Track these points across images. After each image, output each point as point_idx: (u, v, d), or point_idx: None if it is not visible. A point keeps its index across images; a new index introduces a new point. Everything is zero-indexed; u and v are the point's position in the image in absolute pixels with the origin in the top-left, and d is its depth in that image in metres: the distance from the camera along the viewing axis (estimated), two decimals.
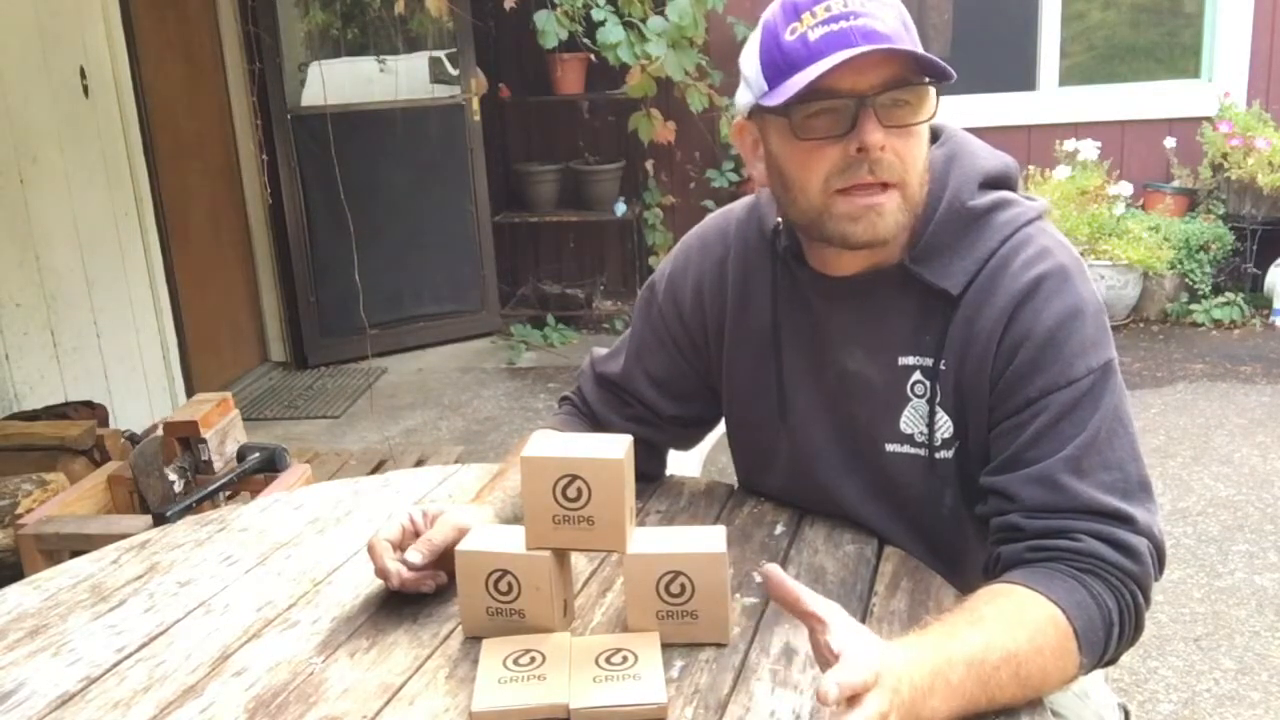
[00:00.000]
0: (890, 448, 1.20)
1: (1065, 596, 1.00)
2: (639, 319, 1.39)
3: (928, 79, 1.08)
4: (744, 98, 1.15)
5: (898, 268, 1.16)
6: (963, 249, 1.14)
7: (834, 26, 1.05)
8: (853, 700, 0.83)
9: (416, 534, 1.17)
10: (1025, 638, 0.96)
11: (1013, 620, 0.97)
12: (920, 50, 1.06)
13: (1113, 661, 1.08)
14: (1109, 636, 1.02)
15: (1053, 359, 1.08)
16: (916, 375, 1.17)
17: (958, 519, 1.20)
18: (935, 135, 1.22)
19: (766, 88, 1.10)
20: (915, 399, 1.18)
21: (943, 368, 1.15)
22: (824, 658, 0.87)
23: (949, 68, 1.07)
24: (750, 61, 1.13)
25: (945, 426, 1.17)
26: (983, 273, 1.13)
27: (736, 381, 1.32)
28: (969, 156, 1.18)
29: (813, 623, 0.89)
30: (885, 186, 1.09)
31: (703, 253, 1.34)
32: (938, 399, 1.16)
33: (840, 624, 0.88)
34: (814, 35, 1.06)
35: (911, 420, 1.18)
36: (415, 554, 1.13)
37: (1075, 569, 1.03)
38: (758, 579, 1.18)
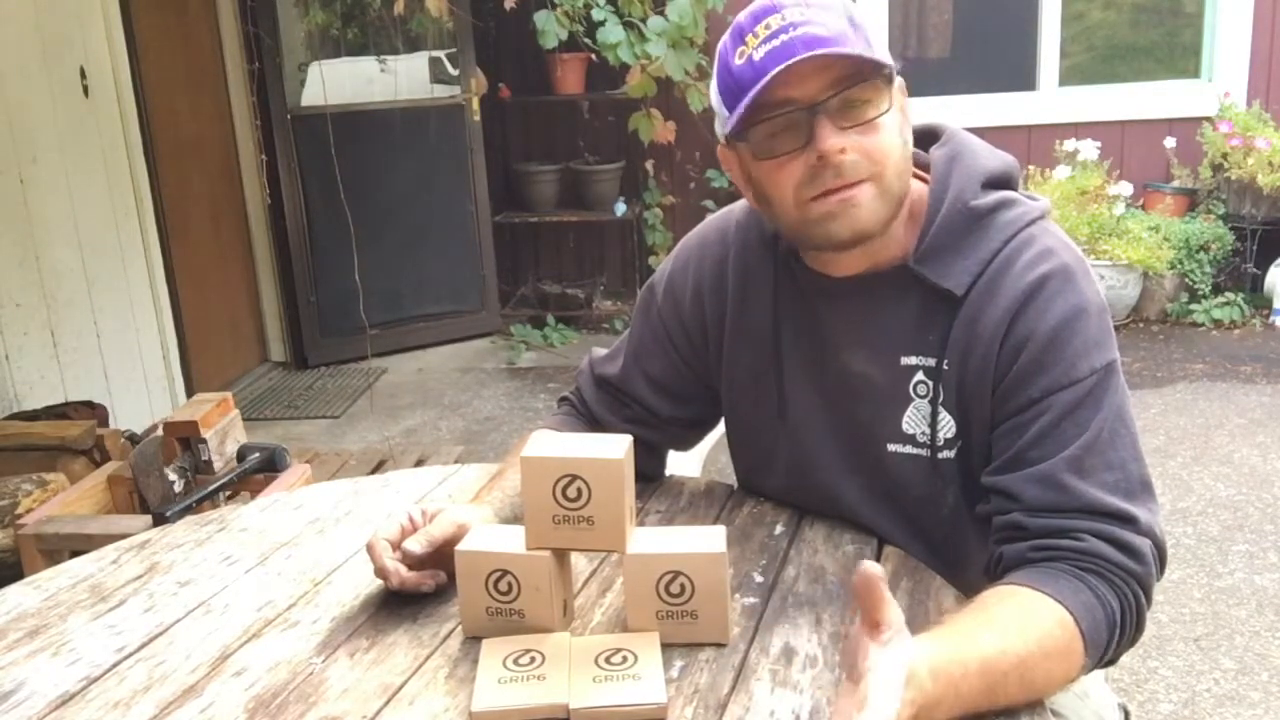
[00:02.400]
0: (892, 448, 1.20)
1: (1071, 598, 1.00)
2: (638, 320, 1.39)
3: (884, 70, 1.08)
4: (719, 127, 1.17)
5: (900, 268, 1.16)
6: (966, 249, 1.14)
7: (775, 42, 1.06)
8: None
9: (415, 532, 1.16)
10: (1034, 642, 0.96)
11: (1024, 625, 0.97)
12: (861, 49, 1.07)
13: (1113, 661, 1.08)
14: (1112, 637, 1.02)
15: (1056, 359, 1.09)
16: (919, 375, 1.17)
17: (959, 519, 1.20)
18: (936, 135, 1.23)
19: (727, 114, 1.11)
20: (918, 399, 1.18)
21: (945, 368, 1.15)
22: (851, 656, 0.86)
23: (884, 59, 1.07)
24: (713, 92, 1.15)
25: (948, 427, 1.17)
26: (986, 272, 1.13)
27: (736, 382, 1.32)
28: (971, 156, 1.18)
29: (873, 632, 0.86)
30: (857, 183, 1.09)
31: (702, 254, 1.34)
32: (940, 399, 1.16)
33: (887, 649, 0.85)
34: (759, 55, 1.07)
35: (914, 420, 1.18)
36: (414, 543, 1.13)
37: (1078, 569, 1.03)
38: (758, 579, 1.18)
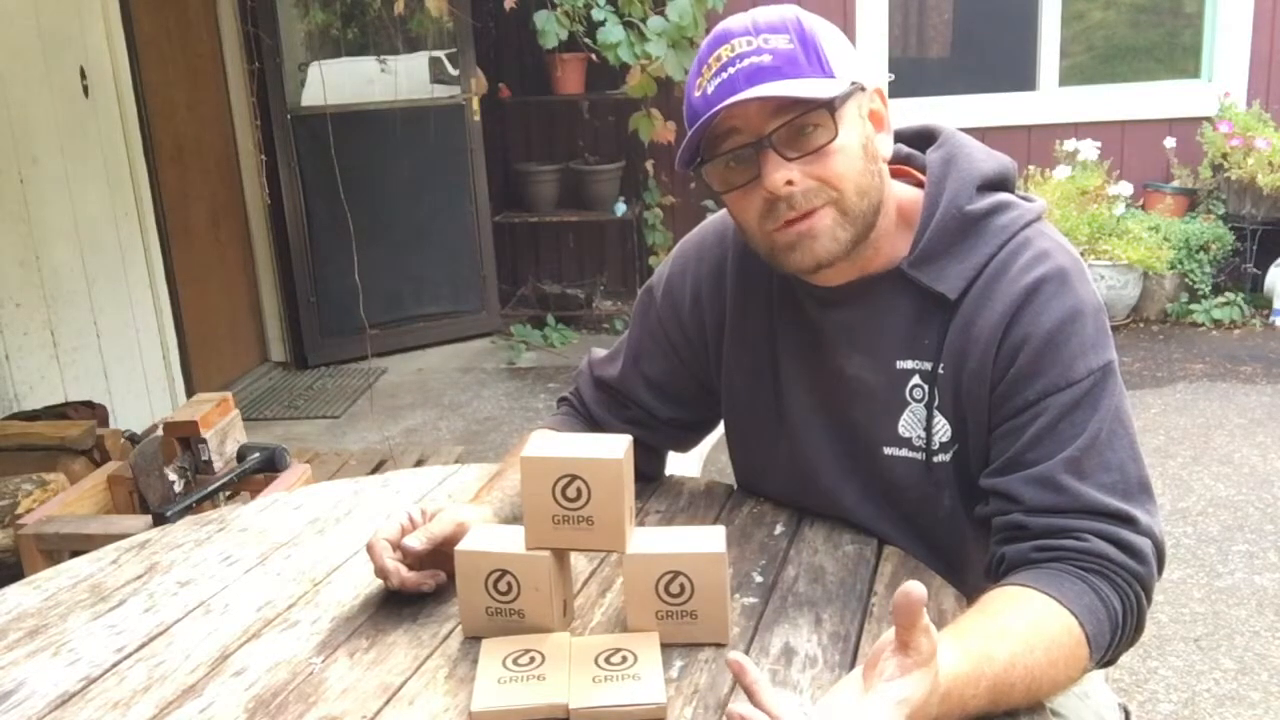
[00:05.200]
0: (888, 451, 1.20)
1: (1076, 602, 1.00)
2: (636, 323, 1.39)
3: (828, 102, 1.06)
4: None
5: (895, 272, 1.16)
6: (961, 253, 1.14)
7: (723, 76, 1.08)
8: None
9: None
10: (1043, 650, 0.96)
11: (1033, 636, 0.97)
12: (807, 76, 1.06)
13: (1112, 661, 1.08)
14: (1114, 637, 1.03)
15: (1052, 361, 1.08)
16: (915, 379, 1.17)
17: (956, 522, 1.20)
18: (933, 137, 1.22)
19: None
20: (913, 403, 1.18)
21: (941, 372, 1.15)
22: (874, 660, 0.87)
23: (826, 91, 1.06)
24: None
25: (943, 430, 1.17)
26: (981, 277, 1.13)
27: (735, 385, 1.32)
28: (966, 159, 1.18)
29: (901, 651, 0.85)
30: (814, 210, 1.09)
31: (700, 257, 1.34)
32: (935, 403, 1.16)
33: (907, 678, 0.86)
34: (710, 88, 1.09)
35: (909, 424, 1.18)
36: (414, 540, 1.13)
37: (1081, 569, 1.03)
38: (758, 579, 1.18)
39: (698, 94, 1.10)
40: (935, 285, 1.14)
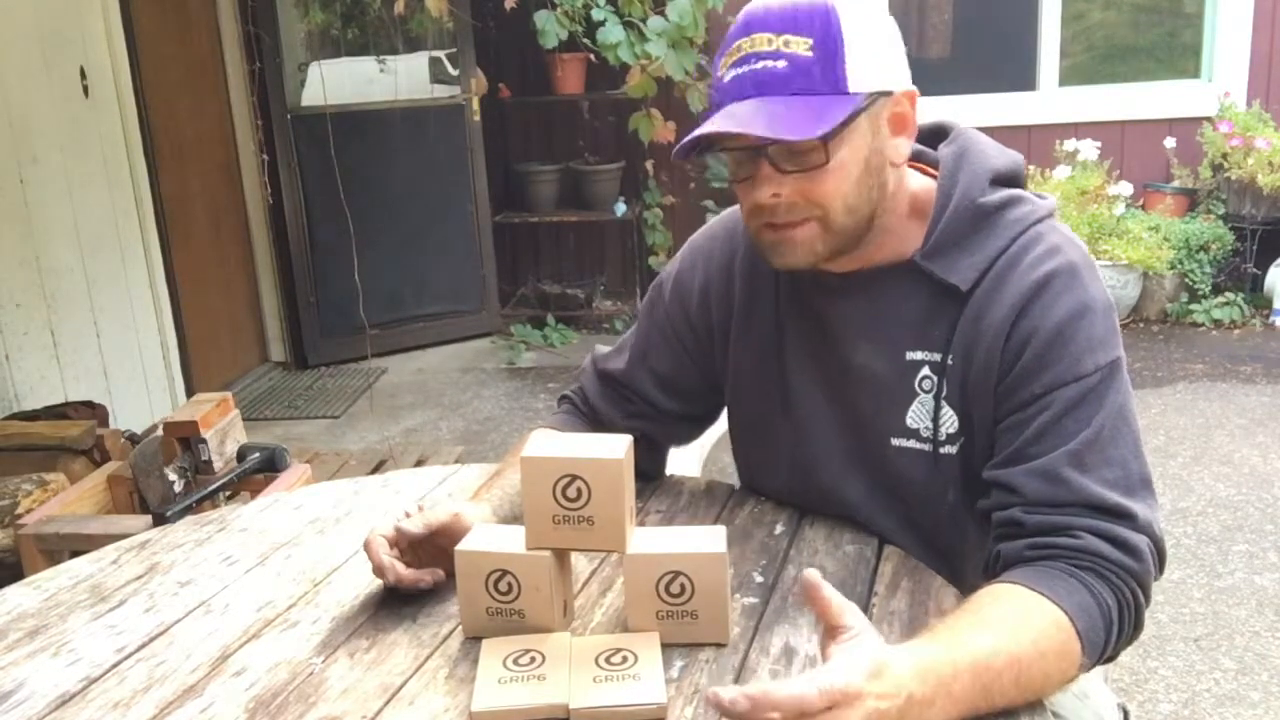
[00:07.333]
0: (895, 442, 1.20)
1: (1067, 598, 1.00)
2: (645, 317, 1.39)
3: (827, 132, 1.04)
4: None
5: (907, 263, 1.17)
6: (973, 246, 1.14)
7: (738, 71, 1.08)
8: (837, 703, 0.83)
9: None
10: (1029, 642, 0.96)
11: (1017, 624, 0.97)
12: (803, 98, 1.05)
13: (1111, 659, 1.08)
14: (1109, 635, 1.02)
15: (1060, 355, 1.09)
16: (924, 370, 1.17)
17: (959, 517, 1.20)
18: (945, 133, 1.23)
19: None
20: (922, 394, 1.18)
21: (950, 363, 1.15)
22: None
23: (807, 135, 1.04)
24: None
25: (950, 422, 1.17)
26: (993, 269, 1.13)
27: (741, 380, 1.32)
28: (979, 154, 1.18)
29: (834, 632, 0.88)
30: (798, 223, 1.10)
31: (710, 253, 1.34)
32: (944, 394, 1.16)
33: (847, 645, 0.87)
34: (727, 77, 1.09)
35: (917, 415, 1.18)
36: (411, 524, 1.14)
37: (1075, 567, 1.03)
38: (758, 579, 1.18)
39: (720, 73, 1.11)
40: (947, 277, 1.14)
